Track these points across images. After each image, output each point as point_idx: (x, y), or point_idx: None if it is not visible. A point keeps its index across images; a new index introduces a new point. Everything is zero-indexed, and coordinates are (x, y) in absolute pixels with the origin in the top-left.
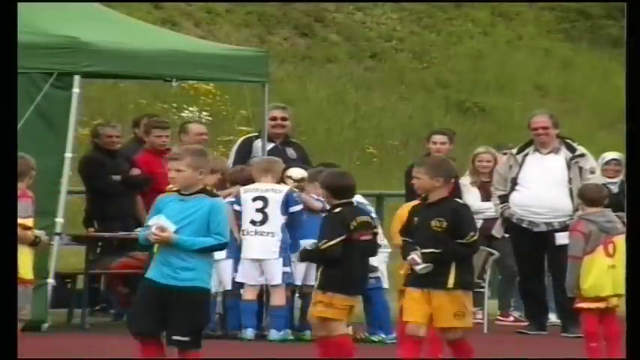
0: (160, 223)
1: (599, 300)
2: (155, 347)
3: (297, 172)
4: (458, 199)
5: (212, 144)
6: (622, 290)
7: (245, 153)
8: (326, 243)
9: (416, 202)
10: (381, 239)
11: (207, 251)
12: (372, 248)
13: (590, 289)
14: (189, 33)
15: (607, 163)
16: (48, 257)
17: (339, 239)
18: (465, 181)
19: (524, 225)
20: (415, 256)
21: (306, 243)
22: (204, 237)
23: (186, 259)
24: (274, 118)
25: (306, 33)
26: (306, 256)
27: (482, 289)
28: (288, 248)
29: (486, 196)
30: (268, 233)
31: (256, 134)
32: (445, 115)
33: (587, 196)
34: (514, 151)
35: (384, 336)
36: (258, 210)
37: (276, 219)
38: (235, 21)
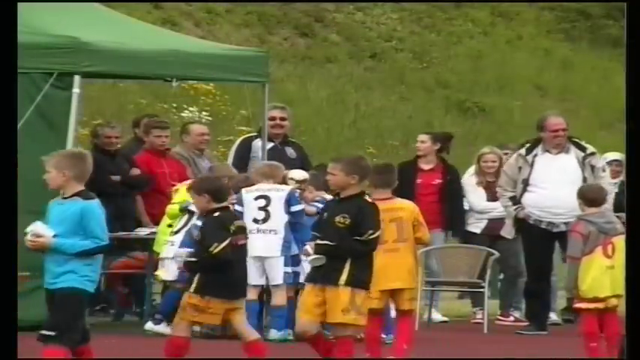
0: (35, 229)
1: (597, 300)
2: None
3: (299, 174)
4: (367, 198)
5: (212, 144)
6: (621, 291)
7: (244, 153)
8: (217, 246)
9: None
10: None
11: (88, 254)
12: (246, 253)
13: (588, 289)
14: (189, 33)
15: (608, 163)
16: None
17: (228, 241)
18: (471, 181)
19: (543, 226)
20: (308, 247)
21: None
22: (81, 239)
23: (63, 264)
24: (273, 118)
25: (306, 33)
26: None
27: (482, 289)
28: (290, 248)
29: (492, 197)
30: (271, 231)
31: (256, 134)
32: (445, 115)
33: (587, 196)
34: (522, 151)
35: (384, 336)
36: (260, 208)
37: (279, 217)
38: (235, 21)
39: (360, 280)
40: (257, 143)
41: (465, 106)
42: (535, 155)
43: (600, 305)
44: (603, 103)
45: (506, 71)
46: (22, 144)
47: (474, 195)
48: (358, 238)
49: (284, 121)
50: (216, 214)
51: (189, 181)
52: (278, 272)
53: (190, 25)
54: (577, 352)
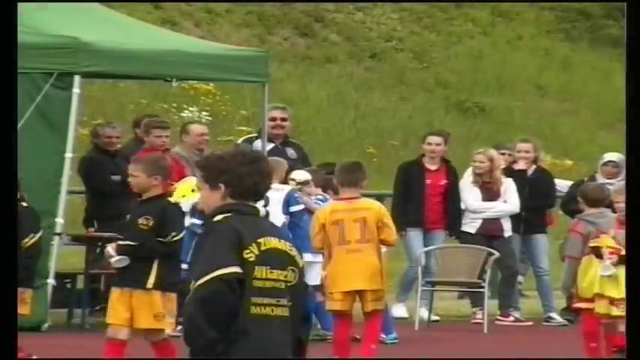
0: None
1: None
2: None
3: (300, 175)
4: (170, 199)
5: (212, 144)
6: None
7: None
8: (33, 237)
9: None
10: None
11: None
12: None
13: (586, 289)
14: (189, 33)
15: (605, 164)
16: (48, 257)
17: (41, 232)
18: (467, 180)
19: None
20: (110, 248)
21: None
22: None
23: None
24: (274, 119)
25: (306, 33)
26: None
27: (482, 289)
28: None
29: (488, 197)
30: None
31: (256, 135)
32: (445, 115)
33: (589, 197)
34: None
35: (384, 336)
36: None
37: (276, 218)
38: (235, 21)
39: (170, 282)
40: (258, 144)
41: (465, 106)
42: None
43: None
44: (603, 103)
45: (506, 71)
46: (22, 144)
47: (469, 195)
48: (161, 239)
49: (285, 121)
50: (24, 204)
51: (185, 179)
52: None
53: (190, 25)
54: (577, 352)
